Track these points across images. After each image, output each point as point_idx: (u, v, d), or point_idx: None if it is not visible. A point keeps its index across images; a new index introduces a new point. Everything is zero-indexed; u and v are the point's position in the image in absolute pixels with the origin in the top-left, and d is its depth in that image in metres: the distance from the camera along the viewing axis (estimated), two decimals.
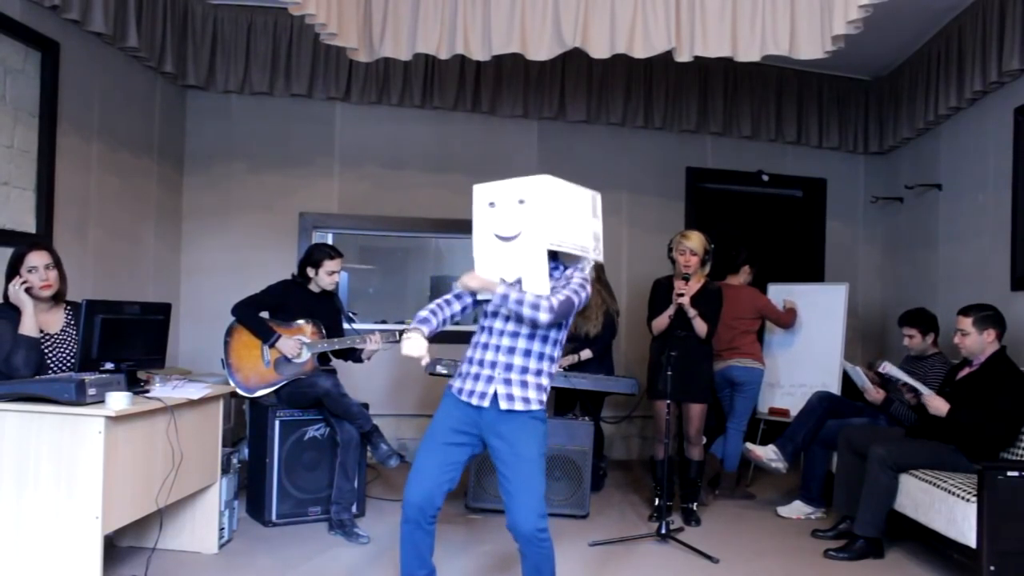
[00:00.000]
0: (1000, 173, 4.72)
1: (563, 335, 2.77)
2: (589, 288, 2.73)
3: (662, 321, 4.28)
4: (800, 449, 4.60)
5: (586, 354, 4.87)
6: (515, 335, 2.69)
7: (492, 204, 2.69)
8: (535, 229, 2.61)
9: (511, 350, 2.68)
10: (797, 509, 4.63)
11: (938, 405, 3.79)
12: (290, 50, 5.45)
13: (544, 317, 2.55)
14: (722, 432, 5.01)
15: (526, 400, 2.68)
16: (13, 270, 3.15)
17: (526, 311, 2.55)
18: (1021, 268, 4.48)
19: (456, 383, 2.77)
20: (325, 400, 3.95)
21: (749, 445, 4.62)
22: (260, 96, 5.58)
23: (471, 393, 2.71)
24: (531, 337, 2.68)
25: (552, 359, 2.75)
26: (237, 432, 4.91)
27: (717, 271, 4.98)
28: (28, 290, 3.13)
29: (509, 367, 2.68)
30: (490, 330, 2.73)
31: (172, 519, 3.51)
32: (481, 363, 2.71)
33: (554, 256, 2.74)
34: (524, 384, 2.68)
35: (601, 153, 6.06)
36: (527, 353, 2.69)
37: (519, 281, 2.65)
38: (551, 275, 2.69)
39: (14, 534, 2.79)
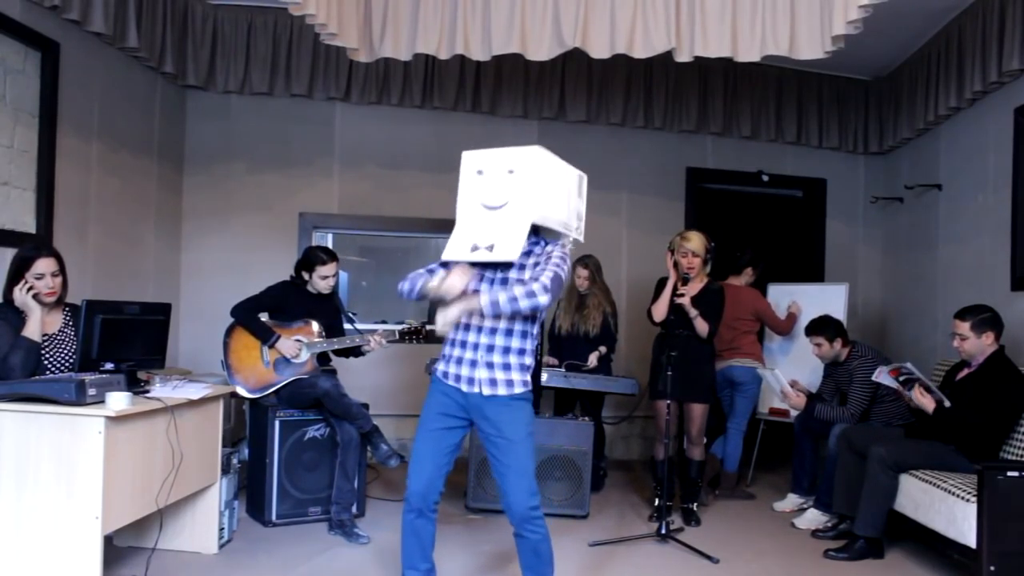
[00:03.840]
0: (1000, 173, 4.72)
1: (542, 313, 2.74)
2: (569, 263, 2.73)
3: (661, 307, 4.26)
4: (813, 478, 4.69)
5: (602, 350, 4.91)
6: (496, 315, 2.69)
7: (480, 172, 2.66)
8: (522, 199, 2.60)
9: (493, 330, 2.68)
10: (791, 502, 4.70)
11: (925, 403, 3.83)
12: (290, 50, 5.46)
13: (544, 299, 2.54)
14: (722, 432, 5.02)
15: (509, 383, 2.69)
16: (18, 273, 3.15)
17: (524, 304, 2.53)
18: (1021, 268, 4.48)
19: (440, 366, 2.77)
20: (325, 400, 3.95)
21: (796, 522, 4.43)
22: (260, 96, 5.58)
23: (457, 378, 2.72)
24: (512, 316, 2.68)
25: (532, 336, 2.75)
26: (237, 432, 4.91)
27: (720, 271, 4.98)
28: (35, 296, 3.13)
29: (491, 348, 2.68)
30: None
31: (172, 519, 3.51)
32: (463, 345, 2.70)
33: (535, 231, 2.74)
34: (507, 367, 2.69)
35: (601, 153, 6.06)
36: (509, 332, 2.69)
37: (491, 248, 2.56)
38: (532, 250, 2.71)
39: (14, 534, 2.79)
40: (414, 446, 2.78)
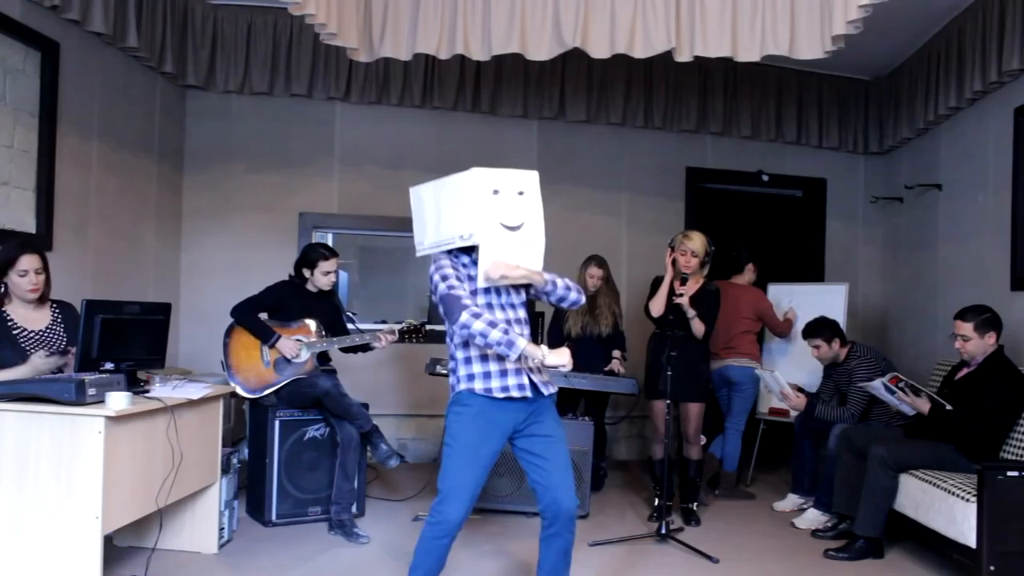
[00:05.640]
0: (1000, 173, 4.72)
1: None
2: None
3: (659, 303, 4.25)
4: (813, 477, 4.68)
5: (617, 354, 4.90)
6: (519, 322, 2.76)
7: (496, 192, 2.66)
8: (535, 221, 2.71)
9: (531, 337, 2.74)
10: (792, 502, 4.70)
11: (920, 405, 3.87)
12: (290, 50, 5.45)
13: (582, 299, 2.85)
14: (721, 432, 5.02)
15: (550, 382, 2.80)
16: (2, 271, 3.16)
17: (573, 295, 2.79)
18: (1021, 268, 4.48)
19: (479, 384, 2.66)
20: (325, 400, 3.95)
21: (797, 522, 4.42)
22: (260, 96, 5.58)
23: (505, 388, 2.66)
24: (528, 322, 2.79)
25: None
26: (237, 432, 4.91)
27: (721, 272, 4.98)
28: (18, 293, 3.17)
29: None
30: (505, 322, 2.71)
31: (172, 519, 3.51)
32: (503, 357, 2.67)
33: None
34: (539, 368, 2.76)
35: (601, 153, 6.06)
36: (533, 339, 2.76)
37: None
38: None
39: (14, 534, 2.79)
40: (456, 471, 2.62)
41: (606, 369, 4.81)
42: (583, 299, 2.84)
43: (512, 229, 2.66)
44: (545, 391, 2.74)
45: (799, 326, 5.02)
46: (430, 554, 2.66)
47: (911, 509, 3.74)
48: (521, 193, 2.69)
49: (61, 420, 2.78)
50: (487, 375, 2.67)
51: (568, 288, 2.78)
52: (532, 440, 2.70)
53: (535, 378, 2.71)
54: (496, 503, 4.34)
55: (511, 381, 2.67)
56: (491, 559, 3.67)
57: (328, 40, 4.01)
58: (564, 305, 2.84)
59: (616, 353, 4.89)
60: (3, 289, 3.15)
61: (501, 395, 2.65)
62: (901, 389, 3.95)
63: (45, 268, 3.25)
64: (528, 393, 2.68)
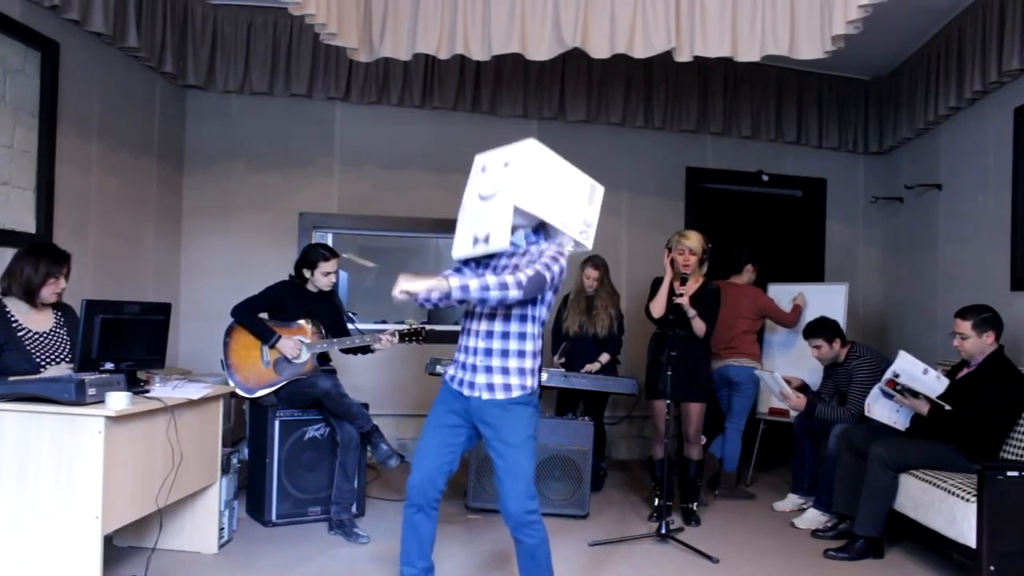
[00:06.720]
0: (1000, 173, 4.72)
1: (541, 311, 2.69)
2: (563, 262, 2.63)
3: (659, 304, 4.25)
4: (813, 477, 4.68)
5: (604, 358, 4.88)
6: (491, 318, 2.66)
7: (484, 169, 2.69)
8: (509, 186, 2.55)
9: (489, 334, 2.66)
10: (792, 502, 4.70)
11: (918, 407, 3.87)
12: (290, 50, 5.46)
13: (514, 294, 2.47)
14: (721, 432, 5.02)
15: (507, 388, 2.66)
16: (49, 273, 3.21)
17: (494, 294, 2.46)
18: (1021, 268, 4.48)
19: (449, 370, 2.82)
20: (325, 400, 3.95)
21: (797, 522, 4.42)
22: (260, 96, 5.58)
23: (460, 382, 2.75)
24: (507, 318, 2.65)
25: (534, 337, 2.70)
26: (237, 432, 4.90)
27: (721, 271, 4.98)
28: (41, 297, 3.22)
29: (489, 352, 2.66)
30: (470, 315, 2.74)
31: (172, 519, 3.51)
32: (465, 350, 2.74)
33: (538, 229, 2.73)
34: (505, 371, 2.66)
35: (601, 153, 6.05)
36: (505, 335, 2.65)
37: (487, 239, 2.53)
38: (528, 248, 2.69)
39: (14, 534, 2.79)
40: (422, 439, 2.80)
41: (584, 369, 4.80)
42: (512, 296, 2.48)
43: (484, 199, 2.61)
44: (486, 394, 2.66)
45: (802, 322, 5.03)
46: (403, 527, 2.75)
47: (911, 509, 3.74)
48: (507, 164, 2.60)
49: (61, 420, 2.78)
50: (453, 362, 2.81)
51: (485, 288, 2.45)
52: (488, 444, 2.73)
53: (480, 380, 2.67)
54: (496, 503, 4.33)
55: (462, 375, 2.75)
56: (491, 558, 3.67)
57: (328, 40, 4.02)
58: (493, 306, 2.61)
59: (604, 357, 4.88)
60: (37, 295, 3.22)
61: (453, 385, 2.77)
62: (899, 391, 3.95)
63: (68, 272, 3.30)
64: (475, 393, 2.69)
